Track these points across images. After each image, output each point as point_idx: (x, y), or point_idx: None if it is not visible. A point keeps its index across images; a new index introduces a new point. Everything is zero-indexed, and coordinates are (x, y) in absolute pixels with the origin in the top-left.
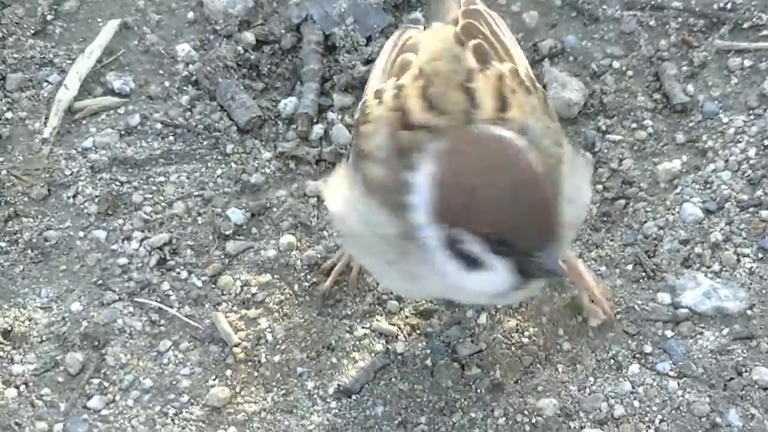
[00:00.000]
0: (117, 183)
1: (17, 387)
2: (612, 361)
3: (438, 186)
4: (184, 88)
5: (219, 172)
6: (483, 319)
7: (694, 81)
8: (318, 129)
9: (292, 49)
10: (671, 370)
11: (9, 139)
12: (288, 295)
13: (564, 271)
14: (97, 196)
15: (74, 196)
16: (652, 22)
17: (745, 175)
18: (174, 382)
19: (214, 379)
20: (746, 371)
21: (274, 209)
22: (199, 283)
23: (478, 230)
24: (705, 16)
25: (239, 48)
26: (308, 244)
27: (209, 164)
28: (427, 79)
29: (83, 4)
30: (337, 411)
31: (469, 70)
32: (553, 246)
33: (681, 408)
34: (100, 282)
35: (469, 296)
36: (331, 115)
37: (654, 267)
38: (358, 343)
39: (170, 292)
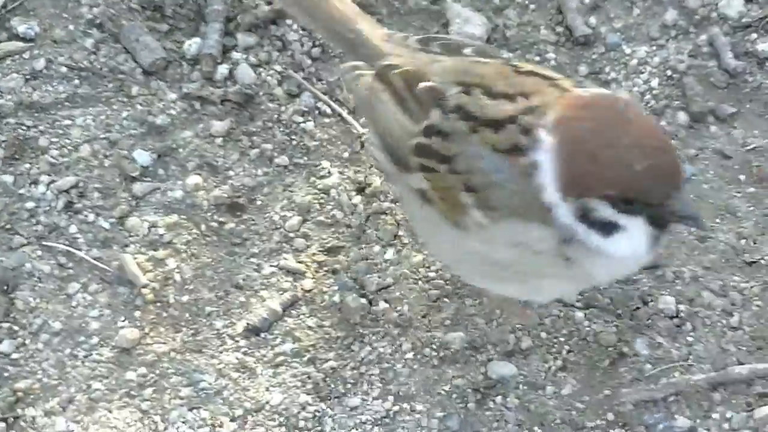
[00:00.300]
0: (23, 128)
1: None
2: None
3: (561, 160)
4: (89, 31)
5: (124, 114)
6: (390, 254)
7: (596, 13)
8: (223, 69)
9: None
10: (578, 301)
11: None
12: (195, 236)
13: (699, 213)
14: (3, 141)
15: None
16: None
17: (648, 105)
18: (83, 325)
19: (123, 321)
20: (652, 300)
21: (180, 150)
22: (106, 225)
23: (604, 193)
24: None
25: None
26: (214, 184)
27: (115, 107)
28: (478, 83)
29: None
30: (246, 349)
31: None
32: (682, 191)
33: (588, 338)
34: (8, 227)
35: (617, 270)
36: (235, 55)
37: None
38: (266, 281)
39: (78, 235)
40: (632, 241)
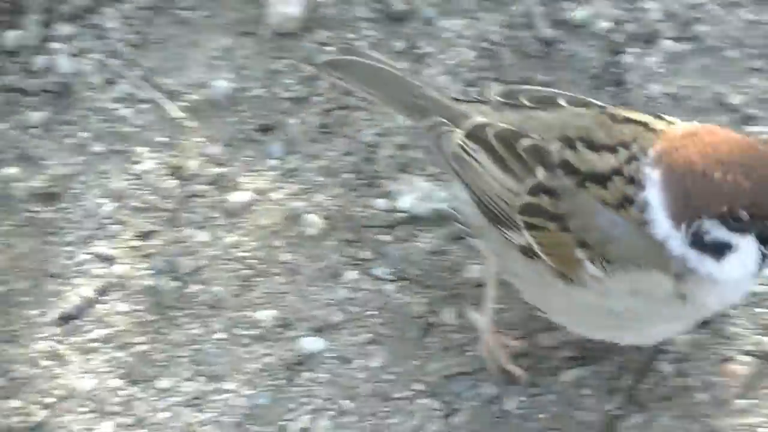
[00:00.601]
0: None
1: None
2: (330, 270)
3: (669, 189)
4: None
5: None
6: (203, 236)
7: None
8: (41, 60)
9: None
10: (389, 274)
11: None
12: (10, 226)
13: None
14: None
15: None
16: None
17: (463, 77)
18: None
19: None
20: (461, 270)
21: None
22: None
23: (716, 211)
24: None
25: None
26: (30, 174)
27: None
28: (580, 136)
29: None
30: (59, 337)
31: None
32: None
33: (398, 310)
34: None
35: (728, 297)
36: (54, 46)
37: (372, 174)
38: (79, 269)
39: None
40: (743, 261)
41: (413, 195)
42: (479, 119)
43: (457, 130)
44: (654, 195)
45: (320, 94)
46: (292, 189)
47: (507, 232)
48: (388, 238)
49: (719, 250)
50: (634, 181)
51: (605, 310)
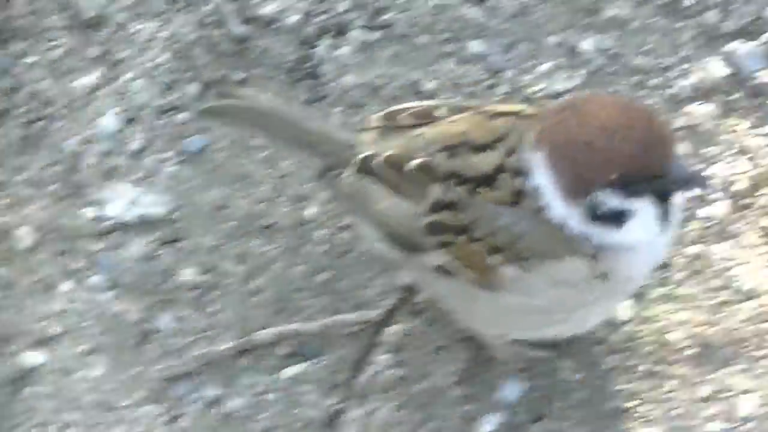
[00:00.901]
0: None
1: None
2: (44, 282)
3: (554, 169)
4: None
5: None
6: None
7: None
8: None
9: None
10: (104, 282)
11: None
12: None
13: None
14: None
15: None
16: None
17: (160, 80)
18: None
19: None
20: (174, 275)
21: None
22: None
23: (605, 180)
24: None
25: None
26: None
27: None
28: (460, 142)
29: None
30: None
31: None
32: (676, 158)
33: (115, 318)
34: None
35: (647, 260)
36: None
37: (78, 183)
38: None
39: None
40: (645, 223)
41: (120, 201)
42: (366, 151)
43: (348, 167)
44: (542, 179)
45: (19, 107)
46: (0, 203)
47: (419, 256)
48: (99, 246)
49: (618, 218)
50: (520, 172)
51: (534, 308)
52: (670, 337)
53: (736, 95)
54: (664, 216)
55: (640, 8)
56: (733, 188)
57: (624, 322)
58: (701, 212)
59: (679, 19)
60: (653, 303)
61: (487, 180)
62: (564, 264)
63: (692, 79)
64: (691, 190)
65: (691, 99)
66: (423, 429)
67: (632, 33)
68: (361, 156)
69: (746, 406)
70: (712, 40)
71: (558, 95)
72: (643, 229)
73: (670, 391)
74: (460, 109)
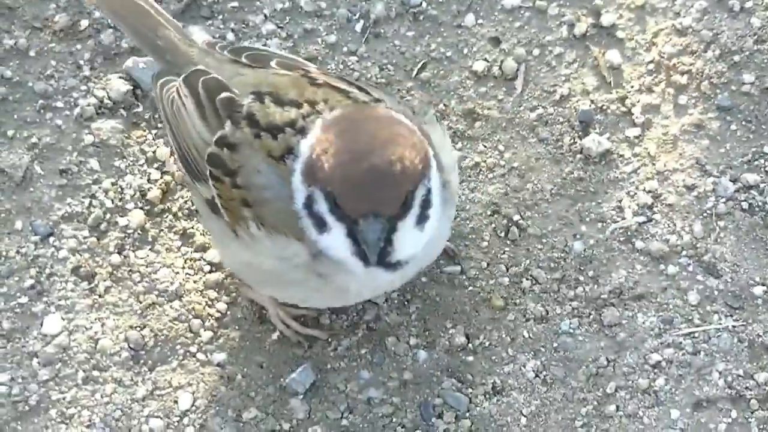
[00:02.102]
0: None
1: None
2: None
3: (308, 152)
4: None
5: None
6: None
7: None
8: None
9: None
10: None
11: None
12: None
13: (376, 251)
14: None
15: None
16: None
17: None
18: None
19: None
20: None
21: None
22: None
23: (323, 187)
24: None
25: None
26: None
27: None
28: (271, 92)
29: None
30: None
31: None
32: (376, 219)
33: None
34: None
35: (366, 283)
36: None
37: None
38: None
39: None
40: (338, 245)
41: None
42: (200, 67)
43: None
44: (305, 147)
45: None
46: None
47: (198, 185)
48: None
49: (321, 223)
50: (303, 132)
51: (266, 271)
52: (102, 343)
53: (139, 109)
54: (353, 249)
55: (35, 37)
56: (148, 196)
57: (54, 335)
58: (120, 221)
59: (75, 42)
60: (81, 313)
61: (274, 130)
62: (289, 246)
63: (95, 97)
64: (363, 257)
65: (98, 116)
66: None
67: (32, 60)
68: (192, 69)
69: (184, 400)
70: (110, 58)
71: None
72: (337, 248)
73: (108, 394)
74: (290, 67)
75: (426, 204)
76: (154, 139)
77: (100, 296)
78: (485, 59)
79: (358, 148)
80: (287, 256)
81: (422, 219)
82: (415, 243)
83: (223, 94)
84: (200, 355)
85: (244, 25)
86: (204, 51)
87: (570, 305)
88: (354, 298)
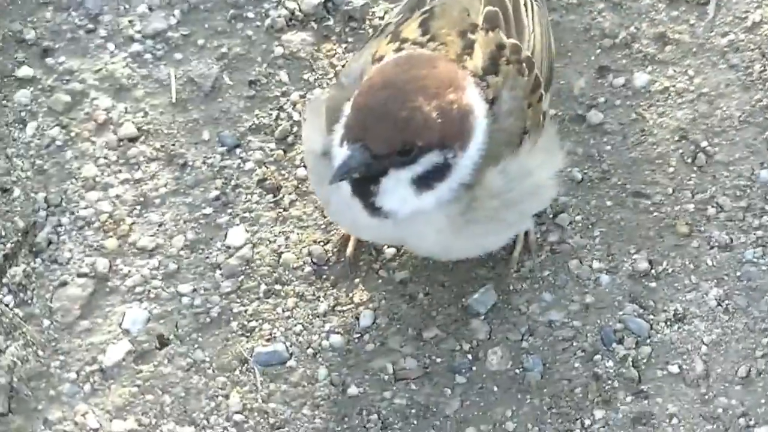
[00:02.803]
0: None
1: None
2: None
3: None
4: None
5: None
6: None
7: None
8: None
9: None
10: None
11: None
12: None
13: (339, 173)
14: None
15: None
16: None
17: None
18: None
19: None
20: None
21: None
22: None
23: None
24: None
25: None
26: None
27: None
28: (432, 14)
29: None
30: None
31: (474, 24)
32: (362, 150)
33: None
34: None
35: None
36: None
37: None
38: None
39: None
40: (334, 152)
41: None
42: None
43: None
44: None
45: None
46: None
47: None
48: None
49: (333, 126)
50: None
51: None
52: (286, 257)
53: (330, 22)
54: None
55: None
56: None
57: (238, 247)
58: None
59: None
60: (266, 226)
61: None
62: (315, 132)
63: (287, 8)
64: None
65: (289, 28)
66: (52, 364)
67: None
68: None
69: (365, 317)
70: None
71: (158, 34)
72: (332, 158)
73: (290, 309)
74: None
75: (439, 173)
76: (343, 53)
77: (284, 209)
78: None
79: (390, 82)
80: (313, 140)
81: (424, 183)
82: (404, 200)
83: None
84: (383, 272)
85: None
86: None
87: (755, 234)
88: (352, 229)
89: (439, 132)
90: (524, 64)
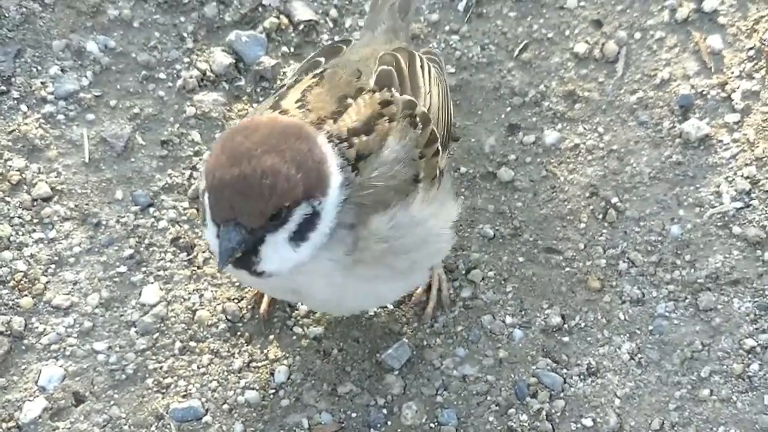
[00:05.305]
0: None
1: None
2: None
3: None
4: None
5: None
6: None
7: None
8: None
9: None
10: None
11: None
12: None
13: (224, 260)
14: None
15: None
16: None
17: None
18: None
19: None
20: None
21: None
22: None
23: (205, 184)
24: None
25: None
26: None
27: None
28: (320, 79)
29: None
30: None
31: (360, 88)
32: (236, 228)
33: None
34: None
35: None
36: None
37: None
38: None
39: None
40: (210, 239)
41: None
42: None
43: None
44: None
45: None
46: None
47: None
48: None
49: (204, 215)
50: None
51: None
52: (200, 314)
53: (242, 82)
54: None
55: (139, 8)
56: None
57: (153, 305)
58: None
59: (179, 15)
60: (180, 284)
61: None
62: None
63: (198, 69)
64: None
65: (200, 88)
66: None
67: (136, 31)
68: None
69: (280, 373)
70: (213, 31)
71: (70, 95)
72: (212, 246)
73: (205, 365)
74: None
75: (310, 223)
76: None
77: (198, 267)
78: (586, 41)
79: (238, 153)
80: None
81: (299, 237)
82: (284, 258)
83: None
84: (297, 329)
85: (347, 2)
86: None
87: (666, 288)
88: (266, 291)
89: (303, 185)
90: (418, 118)
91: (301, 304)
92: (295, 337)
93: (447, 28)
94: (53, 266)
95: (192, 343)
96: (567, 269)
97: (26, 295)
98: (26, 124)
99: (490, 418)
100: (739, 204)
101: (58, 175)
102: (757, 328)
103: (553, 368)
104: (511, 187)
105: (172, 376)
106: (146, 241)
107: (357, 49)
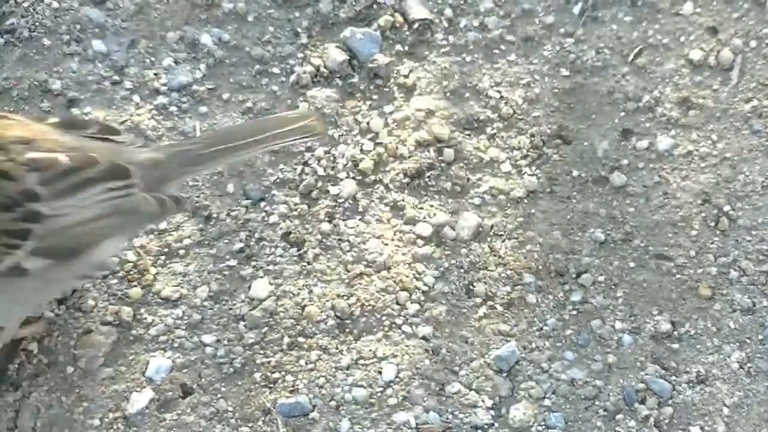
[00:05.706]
0: None
1: None
2: None
3: None
4: None
5: None
6: None
7: None
8: None
9: None
10: None
11: None
12: None
13: None
14: None
15: None
16: None
17: None
18: None
19: None
20: None
21: None
22: None
23: None
24: None
25: None
26: None
27: None
28: None
29: None
30: None
31: None
32: None
33: None
34: None
35: None
36: None
37: None
38: None
39: None
40: None
41: None
42: None
43: None
44: None
45: None
46: None
47: None
48: None
49: None
50: None
51: None
52: (309, 310)
53: (355, 79)
54: None
55: (254, 2)
56: (360, 166)
57: (262, 299)
58: (332, 190)
59: (293, 10)
60: (289, 279)
61: None
62: None
63: (312, 65)
64: None
65: (314, 84)
66: (76, 410)
67: (250, 25)
68: None
69: (388, 371)
70: (328, 27)
71: (183, 87)
72: None
73: (313, 361)
74: None
75: None
76: (368, 109)
77: (308, 263)
78: (702, 48)
79: None
80: None
81: None
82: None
83: None
84: (406, 327)
85: (462, 2)
86: None
87: None
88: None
89: None
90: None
91: (413, 303)
92: (403, 336)
93: (562, 30)
94: (163, 257)
95: (300, 339)
96: (678, 276)
97: (135, 286)
98: (138, 114)
99: (598, 423)
100: None
101: None
102: None
103: (662, 375)
104: (623, 191)
105: (280, 371)
106: (256, 235)
107: None
